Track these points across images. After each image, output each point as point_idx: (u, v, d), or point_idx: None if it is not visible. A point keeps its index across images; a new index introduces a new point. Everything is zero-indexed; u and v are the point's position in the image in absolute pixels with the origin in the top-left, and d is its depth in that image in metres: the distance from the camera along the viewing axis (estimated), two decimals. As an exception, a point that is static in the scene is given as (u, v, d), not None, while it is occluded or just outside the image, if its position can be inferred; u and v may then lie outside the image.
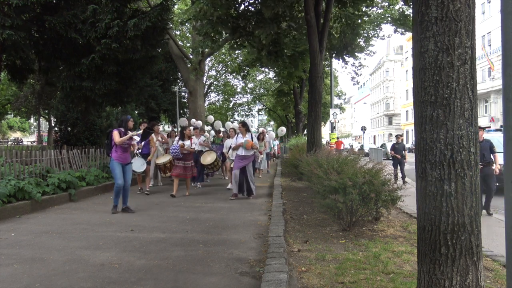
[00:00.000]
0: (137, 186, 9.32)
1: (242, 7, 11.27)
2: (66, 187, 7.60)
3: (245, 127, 8.32)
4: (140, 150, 8.76)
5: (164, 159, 9.01)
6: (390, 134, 63.06)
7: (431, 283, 2.44)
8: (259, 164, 12.77)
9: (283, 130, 20.25)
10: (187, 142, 8.36)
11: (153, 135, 8.69)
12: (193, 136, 9.97)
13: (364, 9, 13.28)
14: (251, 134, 8.34)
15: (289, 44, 13.38)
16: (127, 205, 6.68)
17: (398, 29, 14.37)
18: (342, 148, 22.50)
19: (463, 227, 2.38)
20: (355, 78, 18.84)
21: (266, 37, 10.73)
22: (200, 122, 15.08)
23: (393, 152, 12.73)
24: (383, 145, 31.39)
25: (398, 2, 14.41)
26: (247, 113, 39.48)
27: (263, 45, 12.43)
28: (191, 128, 8.68)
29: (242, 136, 8.22)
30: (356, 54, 15.61)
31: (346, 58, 15.60)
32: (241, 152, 8.12)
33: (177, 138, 8.79)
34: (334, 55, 15.40)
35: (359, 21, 13.14)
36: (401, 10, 14.07)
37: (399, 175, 12.30)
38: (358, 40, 14.48)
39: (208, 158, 9.30)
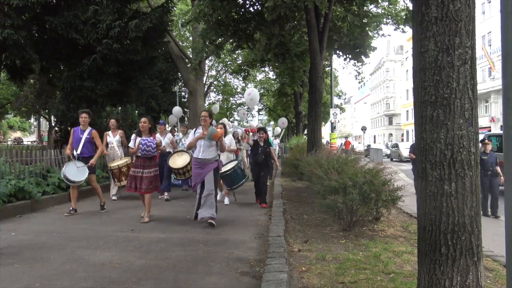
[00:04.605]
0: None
1: (243, 9, 11.22)
2: (66, 187, 7.60)
3: (211, 118, 5.85)
4: (79, 152, 6.25)
5: (120, 161, 7.16)
6: (391, 134, 63.06)
7: (431, 283, 2.44)
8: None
9: (284, 122, 17.65)
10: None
11: (109, 132, 6.98)
12: (156, 134, 7.27)
13: (369, 7, 13.19)
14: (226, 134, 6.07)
15: (294, 45, 13.28)
16: None
17: (399, 28, 14.27)
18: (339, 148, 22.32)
19: (463, 227, 2.38)
20: (357, 76, 18.74)
21: (269, 39, 10.60)
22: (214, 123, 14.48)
23: (412, 154, 9.84)
24: (394, 145, 30.19)
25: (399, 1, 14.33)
26: (246, 112, 39.28)
27: (269, 48, 12.36)
28: (144, 120, 6.12)
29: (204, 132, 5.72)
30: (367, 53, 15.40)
31: (360, 58, 15.41)
32: (197, 153, 5.64)
33: (133, 135, 6.10)
34: (349, 57, 15.23)
35: (365, 20, 13.01)
36: (405, 6, 13.87)
37: None
38: (370, 40, 14.30)
39: (179, 161, 7.12)
